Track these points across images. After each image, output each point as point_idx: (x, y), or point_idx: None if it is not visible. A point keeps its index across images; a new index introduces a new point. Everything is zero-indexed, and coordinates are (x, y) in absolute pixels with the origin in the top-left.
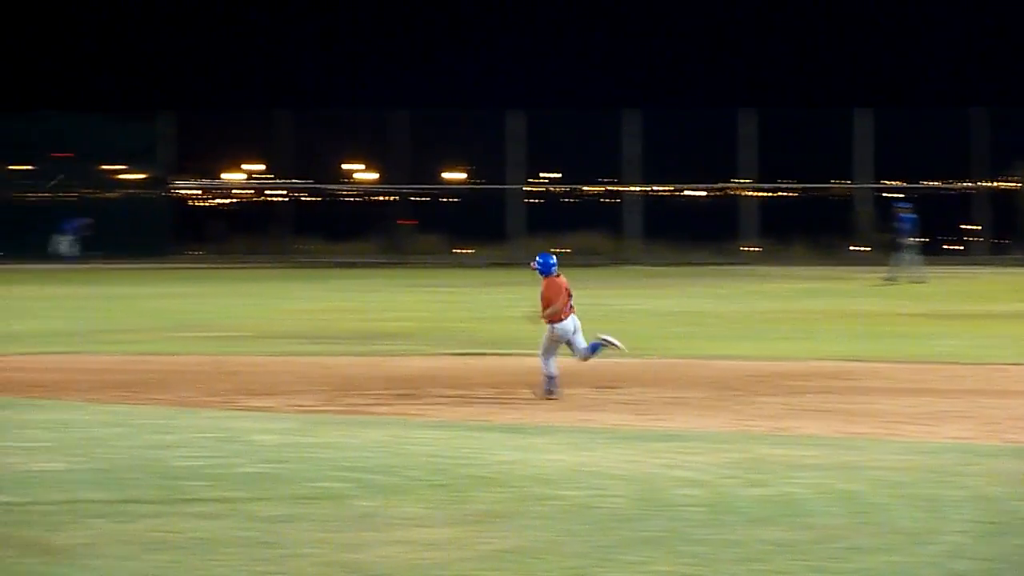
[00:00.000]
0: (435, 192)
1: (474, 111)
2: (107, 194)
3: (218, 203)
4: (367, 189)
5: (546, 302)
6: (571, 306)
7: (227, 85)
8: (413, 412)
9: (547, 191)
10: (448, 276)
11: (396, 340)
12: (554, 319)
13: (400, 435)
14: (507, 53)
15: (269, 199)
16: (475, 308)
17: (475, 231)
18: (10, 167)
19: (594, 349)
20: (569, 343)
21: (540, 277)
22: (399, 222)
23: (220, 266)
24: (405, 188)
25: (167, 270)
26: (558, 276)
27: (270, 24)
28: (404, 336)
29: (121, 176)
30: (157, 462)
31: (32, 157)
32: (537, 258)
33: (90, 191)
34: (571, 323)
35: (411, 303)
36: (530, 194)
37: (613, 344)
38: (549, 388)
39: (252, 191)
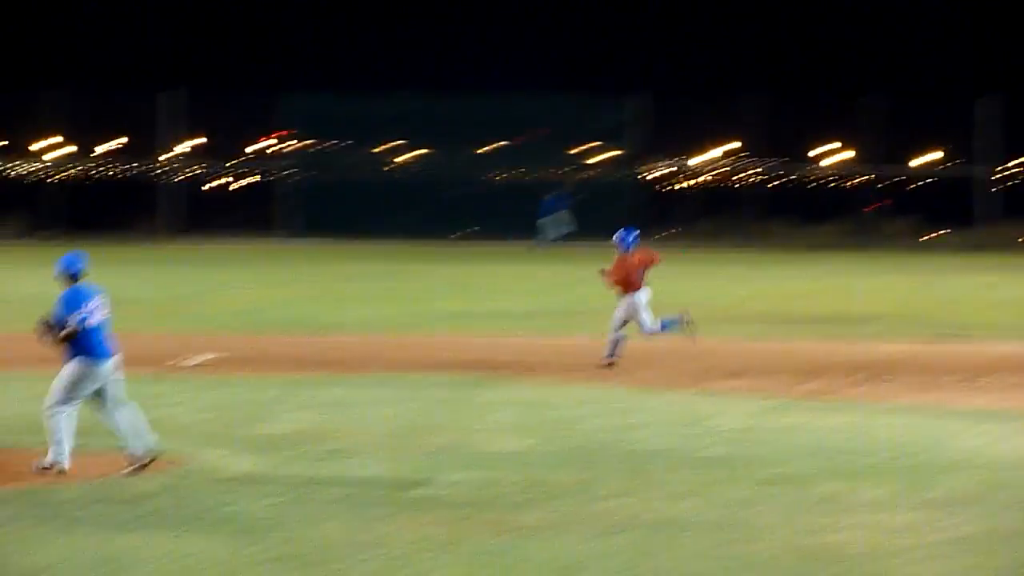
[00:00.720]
0: (907, 175)
1: (946, 96)
2: (579, 175)
3: (689, 184)
4: (839, 171)
5: (613, 275)
6: (644, 279)
7: (699, 66)
8: (878, 397)
9: (1021, 176)
10: (918, 260)
11: (864, 324)
12: (627, 290)
13: (864, 420)
14: (980, 39)
15: (740, 181)
16: (945, 293)
17: (946, 215)
18: (487, 146)
19: (664, 327)
20: (635, 316)
21: (618, 250)
22: (870, 206)
23: (691, 248)
24: (877, 171)
25: None
26: (632, 253)
27: (739, 7)
28: (872, 320)
29: (592, 157)
30: (622, 443)
31: (507, 136)
32: (619, 233)
33: (562, 171)
34: (644, 295)
35: (880, 287)
36: (1003, 179)
37: (688, 326)
38: (610, 354)
39: (724, 173)
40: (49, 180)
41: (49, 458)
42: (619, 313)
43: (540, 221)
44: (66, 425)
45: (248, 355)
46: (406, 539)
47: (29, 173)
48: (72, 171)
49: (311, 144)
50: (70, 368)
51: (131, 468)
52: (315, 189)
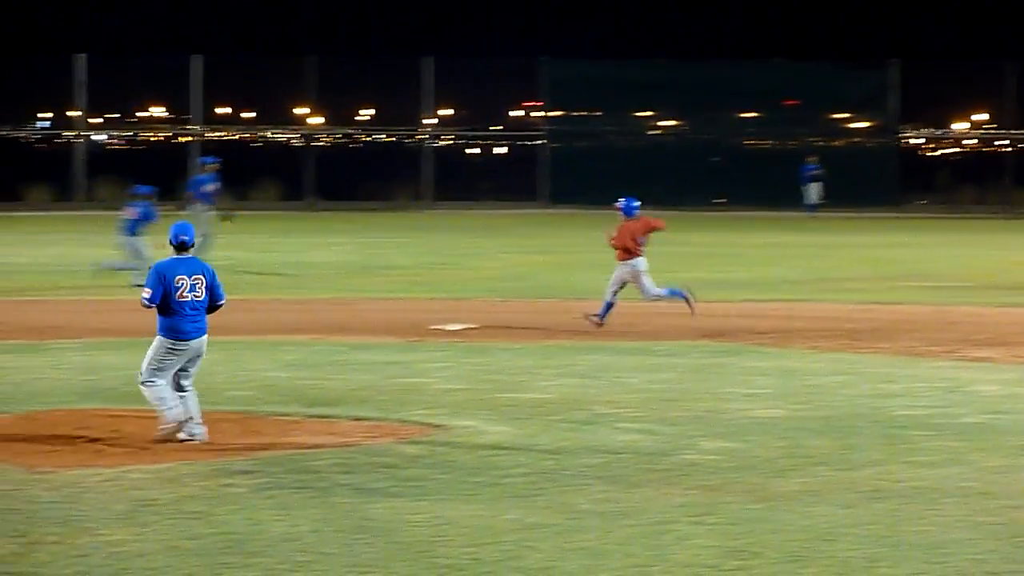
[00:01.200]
0: None
1: None
2: (834, 142)
3: (945, 153)
4: None
5: (615, 241)
6: (642, 247)
7: (951, 34)
8: None
9: None
10: None
11: None
12: (624, 256)
13: None
14: None
15: (996, 150)
16: None
17: None
18: (741, 114)
19: (672, 294)
20: (636, 281)
21: (621, 217)
22: None
23: (946, 216)
24: None
25: (893, 219)
26: (637, 219)
27: None
28: None
29: (848, 125)
30: (879, 411)
31: (762, 105)
32: (621, 200)
33: (817, 139)
34: (642, 263)
35: None
36: None
37: (687, 301)
38: (602, 315)
39: (978, 141)
40: (307, 146)
41: (167, 421)
42: (616, 276)
43: (802, 186)
44: (167, 390)
45: (504, 322)
46: (663, 506)
47: (288, 139)
48: (330, 138)
49: (564, 113)
50: (154, 343)
51: (163, 434)
52: (568, 157)
